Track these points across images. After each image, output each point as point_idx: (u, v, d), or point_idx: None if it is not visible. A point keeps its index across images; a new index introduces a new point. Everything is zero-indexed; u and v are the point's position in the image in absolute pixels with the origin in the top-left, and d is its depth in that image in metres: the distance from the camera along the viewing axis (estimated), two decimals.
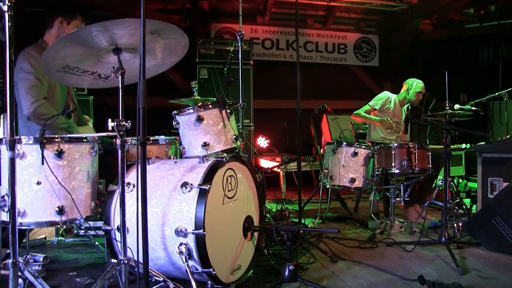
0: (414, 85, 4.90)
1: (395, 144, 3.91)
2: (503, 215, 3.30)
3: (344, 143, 4.20)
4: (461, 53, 9.93)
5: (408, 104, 5.04)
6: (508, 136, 4.42)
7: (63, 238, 3.64)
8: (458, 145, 5.15)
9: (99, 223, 2.70)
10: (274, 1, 7.68)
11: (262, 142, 6.97)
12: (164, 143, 3.03)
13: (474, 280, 2.79)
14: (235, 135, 2.70)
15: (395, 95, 5.00)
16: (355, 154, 4.11)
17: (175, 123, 2.69)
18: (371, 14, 8.75)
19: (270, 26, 8.15)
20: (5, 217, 2.18)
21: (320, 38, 8.50)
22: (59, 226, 2.40)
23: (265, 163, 6.40)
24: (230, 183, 2.59)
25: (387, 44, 8.99)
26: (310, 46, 8.42)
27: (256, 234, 2.86)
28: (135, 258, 2.20)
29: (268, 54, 8.11)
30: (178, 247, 2.28)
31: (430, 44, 9.33)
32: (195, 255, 2.26)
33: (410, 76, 6.19)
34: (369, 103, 4.90)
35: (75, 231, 3.79)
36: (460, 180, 5.69)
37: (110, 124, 2.08)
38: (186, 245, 2.26)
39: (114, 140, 2.13)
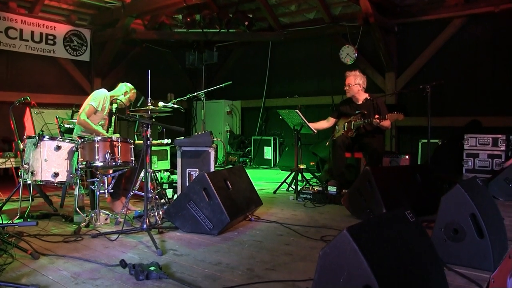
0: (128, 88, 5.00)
1: (99, 138, 3.97)
2: (196, 200, 3.70)
3: (47, 137, 4.04)
4: (170, 55, 10.72)
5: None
6: (203, 132, 5.04)
7: None
8: (161, 140, 5.52)
9: None
10: None
11: None
12: None
13: (171, 258, 3.09)
14: None
15: (108, 93, 4.93)
16: (58, 148, 4.02)
17: None
18: (84, 7, 8.60)
19: None
20: None
21: (25, 25, 7.82)
22: None
23: None
24: None
25: (99, 40, 8.94)
26: (13, 33, 7.66)
27: None
28: None
29: None
30: None
31: (141, 44, 9.74)
32: None
33: (121, 72, 6.32)
34: (90, 103, 4.68)
35: None
36: (165, 173, 6.14)
37: None
38: None
39: None
